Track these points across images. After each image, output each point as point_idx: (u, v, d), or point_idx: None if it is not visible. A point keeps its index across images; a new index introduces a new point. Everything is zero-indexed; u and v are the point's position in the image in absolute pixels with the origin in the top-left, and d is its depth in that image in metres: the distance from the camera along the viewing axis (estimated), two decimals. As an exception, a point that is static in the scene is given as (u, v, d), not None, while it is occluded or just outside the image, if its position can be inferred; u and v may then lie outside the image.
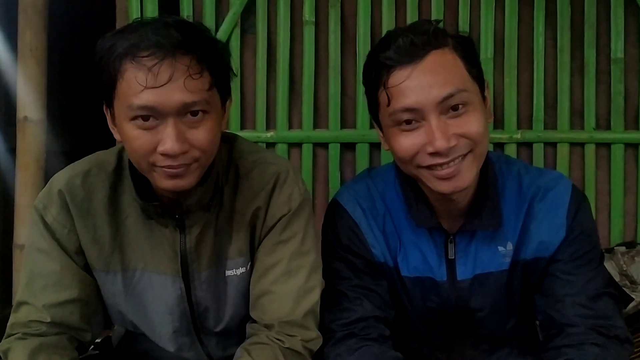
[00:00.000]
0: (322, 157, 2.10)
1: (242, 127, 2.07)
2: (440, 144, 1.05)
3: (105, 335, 1.38)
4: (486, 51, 2.03)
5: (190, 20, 1.35)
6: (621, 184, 2.06)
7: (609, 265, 1.79)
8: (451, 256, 1.20)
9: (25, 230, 1.86)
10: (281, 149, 2.07)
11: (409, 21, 2.02)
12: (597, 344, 1.11)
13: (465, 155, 1.08)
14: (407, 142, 1.09)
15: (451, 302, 1.22)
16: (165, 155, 1.00)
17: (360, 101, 2.05)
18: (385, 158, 2.03)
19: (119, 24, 2.04)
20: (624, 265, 1.86)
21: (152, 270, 1.16)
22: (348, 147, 2.08)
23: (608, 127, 2.07)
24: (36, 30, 1.92)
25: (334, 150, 2.07)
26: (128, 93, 0.98)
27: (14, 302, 1.16)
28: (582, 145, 2.07)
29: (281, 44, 2.06)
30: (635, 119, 2.07)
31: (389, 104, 1.08)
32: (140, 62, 0.97)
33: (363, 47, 2.04)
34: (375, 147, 2.06)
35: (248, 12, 2.07)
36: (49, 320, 1.11)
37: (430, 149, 1.06)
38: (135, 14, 2.02)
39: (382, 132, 1.18)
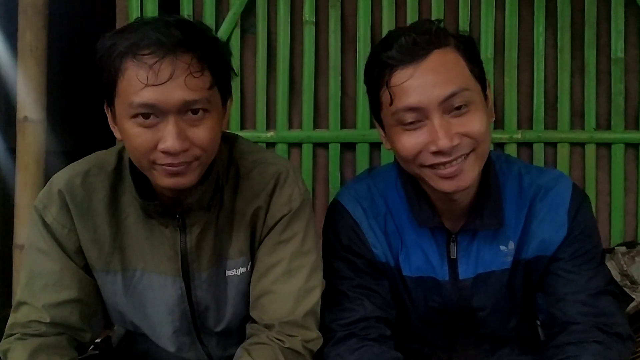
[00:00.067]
0: (322, 157, 2.10)
1: (242, 127, 2.07)
2: (444, 143, 1.05)
3: (105, 335, 1.38)
4: (486, 51, 2.03)
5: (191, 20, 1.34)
6: (621, 184, 2.06)
7: (610, 265, 1.79)
8: (453, 255, 1.20)
9: (25, 231, 1.85)
10: (281, 149, 2.07)
11: (409, 21, 2.02)
12: (599, 342, 1.11)
13: (467, 155, 1.08)
14: (410, 141, 1.09)
15: (453, 302, 1.22)
16: (165, 153, 1.00)
17: (361, 101, 2.04)
18: (386, 158, 2.03)
19: (119, 24, 2.04)
20: (625, 265, 1.86)
21: (152, 270, 1.16)
22: (348, 147, 2.08)
23: (608, 127, 2.07)
24: (36, 30, 1.92)
25: (334, 150, 2.07)
26: (129, 91, 0.99)
27: (14, 302, 1.16)
28: (582, 145, 2.07)
29: (281, 44, 2.06)
30: (636, 119, 2.07)
31: (391, 103, 1.08)
32: (141, 60, 0.97)
33: (363, 47, 2.04)
34: (375, 147, 2.06)
35: (248, 12, 2.07)
36: (48, 320, 1.11)
37: (433, 148, 1.06)
38: (135, 14, 2.01)
39: (384, 131, 1.18)
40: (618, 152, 2.05)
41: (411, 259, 1.22)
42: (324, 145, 2.09)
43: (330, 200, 1.36)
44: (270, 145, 2.06)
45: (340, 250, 1.24)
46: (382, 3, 2.04)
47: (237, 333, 1.23)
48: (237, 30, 2.06)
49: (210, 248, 1.16)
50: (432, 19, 1.63)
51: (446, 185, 1.10)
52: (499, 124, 2.03)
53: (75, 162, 1.18)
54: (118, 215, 1.15)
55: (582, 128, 2.07)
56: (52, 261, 1.13)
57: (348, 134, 2.06)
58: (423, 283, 1.22)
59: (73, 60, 2.76)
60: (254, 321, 1.16)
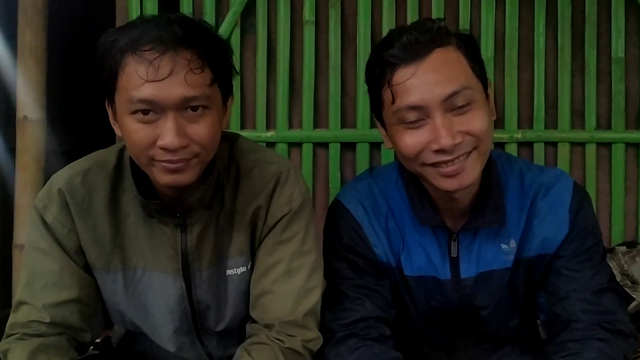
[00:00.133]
0: (322, 157, 2.10)
1: (242, 127, 2.07)
2: (446, 141, 1.05)
3: (105, 335, 1.38)
4: (487, 51, 2.03)
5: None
6: (622, 183, 2.06)
7: (610, 265, 1.79)
8: (454, 254, 1.20)
9: (25, 230, 1.85)
10: (281, 148, 2.07)
11: (409, 21, 2.02)
12: (602, 339, 1.11)
13: (469, 153, 1.08)
14: (411, 139, 1.09)
15: (455, 301, 1.22)
16: (164, 149, 1.00)
17: (361, 101, 2.05)
18: (386, 157, 2.03)
19: (119, 24, 2.04)
20: (625, 265, 1.86)
21: (152, 269, 1.15)
22: (348, 146, 2.08)
23: (609, 127, 2.07)
24: (36, 30, 1.92)
25: (334, 150, 2.07)
26: (129, 86, 0.98)
27: (14, 302, 1.16)
28: (582, 145, 2.08)
29: (281, 44, 2.06)
30: (636, 119, 2.07)
31: (393, 102, 1.08)
32: (142, 56, 0.97)
33: (363, 46, 2.04)
34: (375, 146, 2.06)
35: (248, 11, 2.07)
36: (48, 320, 1.10)
37: (435, 147, 1.06)
38: (135, 14, 2.02)
39: (386, 130, 1.17)
40: (618, 151, 2.06)
41: (412, 259, 1.21)
42: (324, 145, 2.09)
43: (331, 200, 1.36)
44: (270, 145, 2.06)
45: (341, 250, 1.23)
46: (382, 3, 2.05)
47: (237, 333, 1.23)
48: (237, 30, 2.06)
49: (210, 247, 1.16)
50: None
51: (448, 184, 1.09)
52: (499, 124, 2.04)
53: (76, 161, 1.18)
54: (118, 214, 1.15)
55: (583, 128, 2.07)
56: (52, 261, 1.12)
57: (348, 134, 2.07)
58: (424, 282, 1.22)
59: (73, 60, 2.77)
60: (254, 321, 1.16)
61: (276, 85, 2.07)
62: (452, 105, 1.06)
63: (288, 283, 1.14)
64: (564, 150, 2.06)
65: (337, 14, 2.06)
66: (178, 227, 1.13)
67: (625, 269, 1.85)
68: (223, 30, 2.03)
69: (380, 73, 1.10)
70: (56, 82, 2.09)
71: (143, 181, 1.11)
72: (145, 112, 0.99)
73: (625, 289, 1.76)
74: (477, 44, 1.16)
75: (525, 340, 1.31)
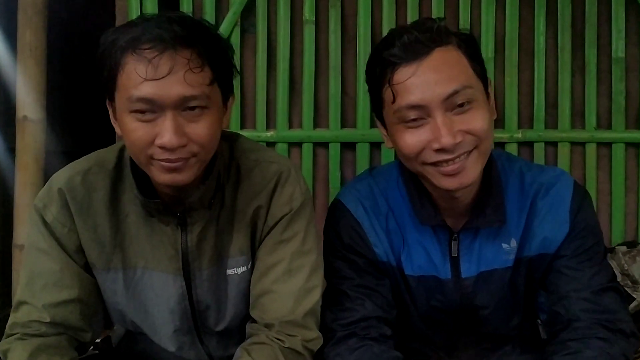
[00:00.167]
0: (322, 157, 2.10)
1: (242, 127, 2.07)
2: (446, 140, 1.05)
3: (105, 335, 1.37)
4: (487, 51, 2.03)
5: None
6: (622, 183, 2.06)
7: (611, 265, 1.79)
8: (455, 254, 1.20)
9: (25, 230, 1.85)
10: (281, 148, 2.07)
11: (409, 21, 2.02)
12: (602, 338, 1.11)
13: (470, 152, 1.08)
14: (412, 139, 1.09)
15: (455, 301, 1.22)
16: (163, 148, 1.00)
17: (361, 101, 2.05)
18: (386, 157, 2.03)
19: (119, 24, 2.03)
20: (625, 265, 1.86)
21: (153, 268, 1.15)
22: (348, 146, 2.08)
23: (609, 127, 2.07)
24: (36, 30, 1.92)
25: (334, 149, 2.07)
26: (128, 85, 0.99)
27: (14, 302, 1.15)
28: (583, 144, 2.07)
29: (281, 44, 2.06)
30: (636, 119, 2.07)
31: (394, 101, 1.08)
32: (141, 55, 0.97)
33: (363, 46, 2.04)
34: (375, 146, 2.06)
35: (248, 11, 2.07)
36: (48, 320, 1.10)
37: (436, 146, 1.06)
38: (135, 14, 2.02)
39: (386, 130, 1.17)
40: (619, 151, 2.05)
41: (413, 258, 1.21)
42: (324, 145, 2.09)
43: (331, 200, 1.36)
44: (271, 144, 2.06)
45: (342, 250, 1.23)
46: (382, 3, 2.05)
47: (237, 333, 1.23)
48: (237, 30, 2.06)
49: (211, 247, 1.16)
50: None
51: (448, 183, 1.09)
52: (499, 124, 2.04)
53: (76, 161, 1.18)
54: (119, 213, 1.15)
55: (583, 127, 2.07)
56: (52, 260, 1.12)
57: (348, 134, 2.06)
58: (425, 282, 1.22)
59: (73, 60, 2.76)
60: (254, 321, 1.16)
61: (276, 85, 2.07)
62: (452, 104, 1.06)
63: (288, 283, 1.13)
64: (564, 150, 2.06)
65: (337, 14, 2.06)
66: (178, 226, 1.13)
67: (626, 268, 1.85)
68: (223, 30, 2.03)
69: (380, 72, 1.10)
70: (56, 82, 2.09)
71: (143, 180, 1.11)
72: (143, 110, 0.99)
73: (626, 288, 1.76)
74: (477, 43, 1.16)
75: (525, 339, 1.31)
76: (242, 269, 1.18)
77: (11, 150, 2.03)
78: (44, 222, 1.12)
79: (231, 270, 1.17)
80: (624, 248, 1.93)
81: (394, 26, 1.99)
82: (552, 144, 2.07)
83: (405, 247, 1.22)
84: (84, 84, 2.26)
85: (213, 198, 1.14)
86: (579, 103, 2.07)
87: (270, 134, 2.06)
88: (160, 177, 1.04)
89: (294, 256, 1.15)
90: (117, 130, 1.08)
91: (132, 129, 1.01)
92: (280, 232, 1.15)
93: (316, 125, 2.08)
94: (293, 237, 1.16)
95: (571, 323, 1.14)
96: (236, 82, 1.89)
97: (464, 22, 2.04)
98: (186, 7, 2.05)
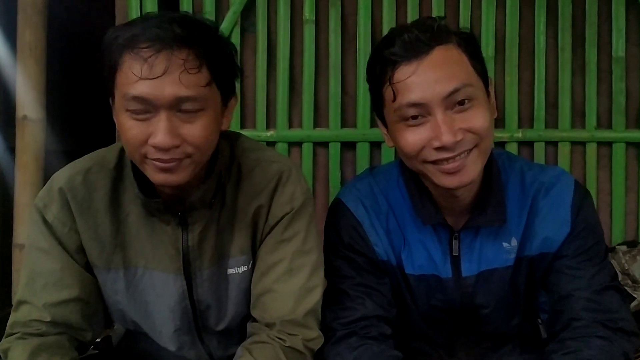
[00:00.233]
0: (322, 157, 2.10)
1: (242, 126, 2.07)
2: (447, 138, 1.05)
3: (105, 334, 1.37)
4: (487, 50, 2.03)
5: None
6: (622, 183, 2.06)
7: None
8: (456, 253, 1.20)
9: (25, 230, 1.85)
10: (281, 148, 2.07)
11: (409, 20, 2.02)
12: (602, 337, 1.11)
13: (470, 150, 1.08)
14: (413, 137, 1.09)
15: (456, 300, 1.22)
16: (156, 147, 1.00)
17: (361, 100, 2.04)
18: (386, 157, 2.03)
19: (119, 23, 2.04)
20: (626, 265, 1.86)
21: (153, 267, 1.15)
22: (348, 146, 2.08)
23: (609, 126, 2.07)
24: (35, 29, 1.92)
25: (334, 149, 2.07)
26: (124, 83, 0.99)
27: (14, 301, 1.15)
28: (583, 144, 2.07)
29: (281, 43, 2.06)
30: (637, 118, 2.07)
31: (394, 100, 1.08)
32: (138, 54, 0.97)
33: (363, 46, 2.04)
34: (375, 146, 2.06)
35: (248, 10, 2.07)
36: (49, 319, 1.10)
37: (436, 144, 1.06)
38: (134, 13, 2.02)
39: (387, 128, 1.17)
40: (619, 151, 2.06)
41: (414, 257, 1.21)
42: (324, 145, 2.09)
43: (331, 199, 1.36)
44: (271, 144, 2.06)
45: (342, 249, 1.23)
46: (382, 2, 2.05)
47: (238, 332, 1.23)
48: (237, 29, 2.06)
49: (211, 246, 1.15)
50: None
51: (449, 181, 1.09)
52: (499, 123, 2.03)
53: (76, 161, 1.18)
54: (119, 213, 1.15)
55: (583, 127, 2.07)
56: (53, 260, 1.12)
57: (348, 133, 2.06)
58: (425, 281, 1.22)
59: (72, 59, 2.76)
60: (255, 320, 1.16)
61: (276, 84, 2.06)
62: (453, 102, 1.06)
63: (289, 282, 1.13)
64: (564, 150, 2.06)
65: (337, 13, 2.06)
66: (179, 225, 1.13)
67: (626, 268, 1.85)
68: (223, 30, 2.02)
69: (381, 71, 1.10)
70: (56, 81, 2.09)
71: (144, 180, 1.10)
72: (138, 109, 0.99)
73: (626, 288, 1.76)
74: (478, 42, 1.16)
75: (526, 339, 1.31)
76: (243, 268, 1.18)
77: (11, 149, 2.03)
78: (44, 222, 1.12)
79: (232, 269, 1.17)
80: (624, 247, 1.93)
81: (394, 26, 1.99)
82: (552, 144, 2.07)
83: (406, 246, 1.22)
84: (84, 83, 2.26)
85: (214, 197, 1.14)
86: (579, 102, 2.07)
87: (270, 133, 2.06)
88: (154, 176, 1.04)
89: (294, 255, 1.15)
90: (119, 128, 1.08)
91: (127, 127, 1.01)
92: (281, 231, 1.15)
93: (316, 124, 2.08)
94: (294, 236, 1.15)
95: (571, 322, 1.14)
96: (236, 82, 1.90)
97: (464, 22, 2.04)
98: (186, 6, 2.05)
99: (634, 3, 2.04)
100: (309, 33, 2.06)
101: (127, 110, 1.00)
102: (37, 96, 1.92)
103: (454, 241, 1.20)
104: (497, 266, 1.19)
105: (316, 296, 1.15)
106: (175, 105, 0.99)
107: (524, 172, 1.22)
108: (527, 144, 2.07)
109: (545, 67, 2.06)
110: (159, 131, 0.99)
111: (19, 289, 1.15)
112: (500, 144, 2.04)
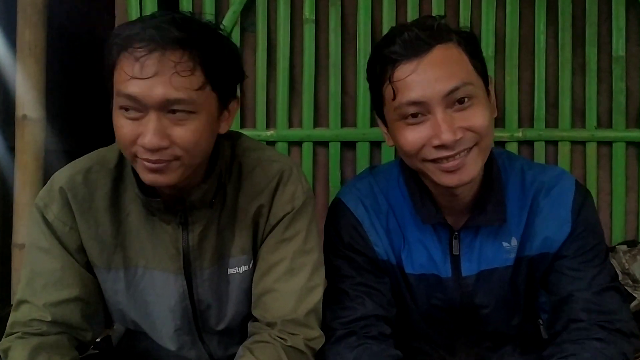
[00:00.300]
0: (322, 156, 2.10)
1: (242, 126, 2.07)
2: (447, 136, 1.04)
3: (105, 334, 1.37)
4: (487, 49, 2.03)
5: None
6: (623, 182, 2.06)
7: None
8: (456, 252, 1.20)
9: (24, 229, 1.85)
10: (281, 147, 2.06)
11: (409, 19, 2.02)
12: (600, 339, 1.11)
13: (470, 149, 1.08)
14: (413, 135, 1.09)
15: (456, 299, 1.22)
16: (144, 147, 1.00)
17: (361, 100, 2.04)
18: (386, 156, 2.03)
19: (118, 23, 2.04)
20: (626, 264, 1.86)
21: (154, 267, 1.15)
22: (348, 145, 2.08)
23: (609, 126, 2.07)
24: (35, 29, 1.92)
25: (335, 149, 2.07)
26: (119, 81, 0.99)
27: (14, 301, 1.15)
28: (583, 143, 2.07)
29: (281, 43, 2.06)
30: (637, 118, 2.07)
31: (394, 98, 1.08)
32: (132, 53, 0.97)
33: (363, 45, 2.04)
34: (375, 145, 2.06)
35: (248, 10, 2.07)
36: (49, 319, 1.10)
37: (436, 142, 1.06)
38: (134, 13, 2.01)
39: (387, 127, 1.17)
40: (619, 150, 2.05)
41: (414, 257, 1.21)
42: (324, 144, 2.09)
43: (331, 199, 1.35)
44: (271, 144, 2.06)
45: (342, 248, 1.23)
46: (382, 2, 2.04)
47: (238, 332, 1.23)
48: (237, 29, 2.06)
49: (212, 246, 1.15)
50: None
51: (448, 179, 1.09)
52: (500, 123, 2.03)
53: (77, 160, 1.18)
54: (120, 212, 1.15)
55: (583, 126, 2.07)
56: (53, 259, 1.12)
57: (348, 133, 2.06)
58: (425, 280, 1.21)
59: (72, 59, 2.76)
60: (256, 320, 1.16)
61: (276, 84, 2.06)
62: (453, 101, 1.06)
63: (290, 282, 1.13)
64: (564, 149, 2.06)
65: (337, 13, 2.06)
66: (179, 225, 1.13)
67: (626, 268, 1.85)
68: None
69: (381, 70, 1.10)
70: (55, 80, 2.09)
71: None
72: (129, 107, 0.99)
73: (626, 287, 1.76)
74: (478, 41, 1.16)
75: (526, 339, 1.31)
76: (244, 268, 1.17)
77: (11, 149, 2.03)
78: (45, 221, 1.12)
79: (233, 269, 1.17)
80: (624, 247, 1.93)
81: (394, 25, 1.99)
82: (552, 143, 2.07)
83: (406, 245, 1.22)
84: (84, 82, 2.26)
85: (214, 197, 1.14)
86: (579, 102, 2.07)
87: (270, 133, 2.06)
88: (144, 175, 1.04)
89: (295, 255, 1.15)
90: None
91: (119, 125, 1.01)
92: (282, 231, 1.15)
93: (316, 124, 2.08)
94: (295, 236, 1.15)
95: (570, 324, 1.14)
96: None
97: (465, 21, 2.04)
98: (186, 6, 2.05)
99: (634, 3, 2.04)
100: (309, 33, 2.05)
101: (120, 108, 1.00)
102: (36, 95, 1.92)
103: (454, 241, 1.20)
104: (497, 266, 1.19)
105: (317, 296, 1.15)
106: (165, 107, 0.99)
107: (524, 172, 1.22)
108: (527, 144, 2.07)
109: (546, 66, 2.06)
110: (148, 131, 0.99)
111: (19, 289, 1.14)
112: (501, 144, 2.04)
